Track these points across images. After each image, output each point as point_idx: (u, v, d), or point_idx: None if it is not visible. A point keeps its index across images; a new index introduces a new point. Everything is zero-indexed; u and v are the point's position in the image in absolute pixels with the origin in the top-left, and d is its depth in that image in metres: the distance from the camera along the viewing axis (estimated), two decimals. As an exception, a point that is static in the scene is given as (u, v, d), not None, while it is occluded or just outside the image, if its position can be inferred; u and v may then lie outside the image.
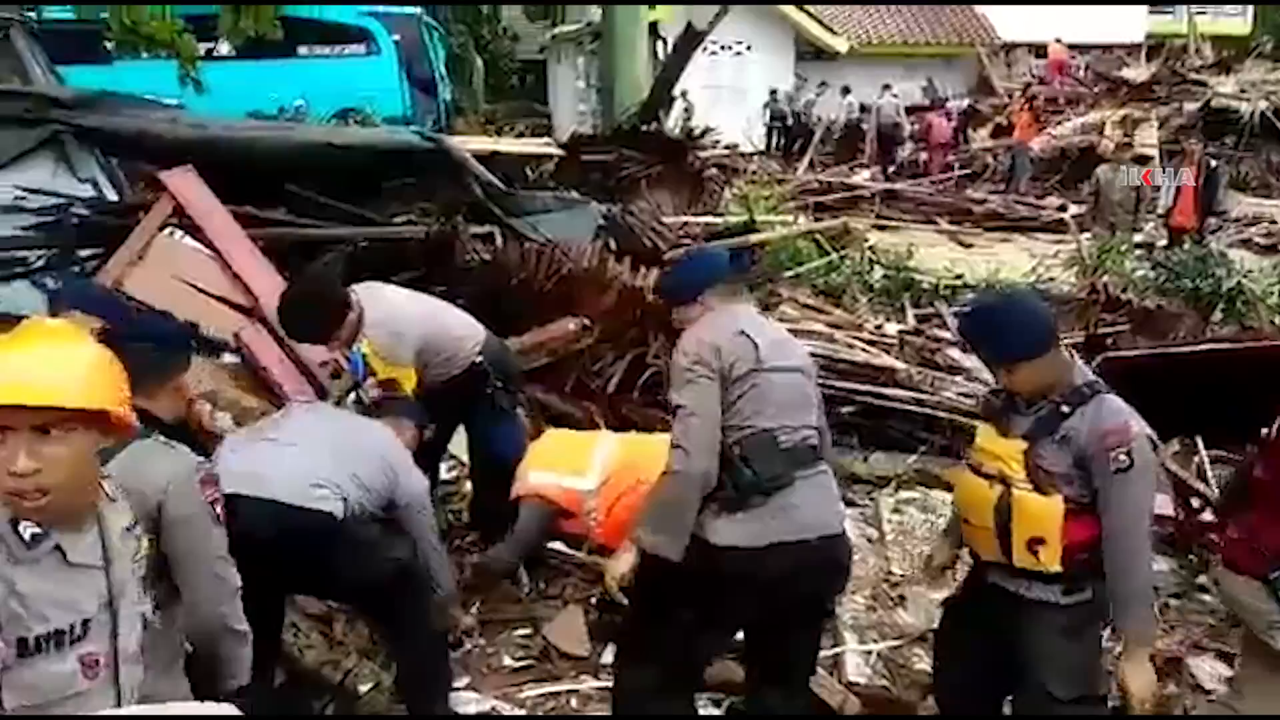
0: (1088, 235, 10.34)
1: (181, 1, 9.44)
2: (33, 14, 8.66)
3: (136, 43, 8.61)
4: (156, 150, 5.62)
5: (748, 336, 2.75)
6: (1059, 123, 17.32)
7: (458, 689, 3.59)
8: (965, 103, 19.64)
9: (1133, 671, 2.59)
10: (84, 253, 5.15)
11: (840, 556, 2.87)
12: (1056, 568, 2.60)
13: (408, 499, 3.32)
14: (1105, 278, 7.99)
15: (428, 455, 4.45)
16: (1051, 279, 8.97)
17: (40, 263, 5.04)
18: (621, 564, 2.77)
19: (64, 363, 1.59)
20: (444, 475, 5.01)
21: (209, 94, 10.03)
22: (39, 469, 1.55)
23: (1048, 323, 2.71)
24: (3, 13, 6.85)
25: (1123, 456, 2.52)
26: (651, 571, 2.73)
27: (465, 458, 4.76)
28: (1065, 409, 2.60)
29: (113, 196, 5.40)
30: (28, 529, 1.59)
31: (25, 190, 5.13)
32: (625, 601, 2.86)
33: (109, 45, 10.47)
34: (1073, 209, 12.94)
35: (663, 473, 2.70)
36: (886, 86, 18.30)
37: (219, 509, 2.35)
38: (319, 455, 3.13)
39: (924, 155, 17.68)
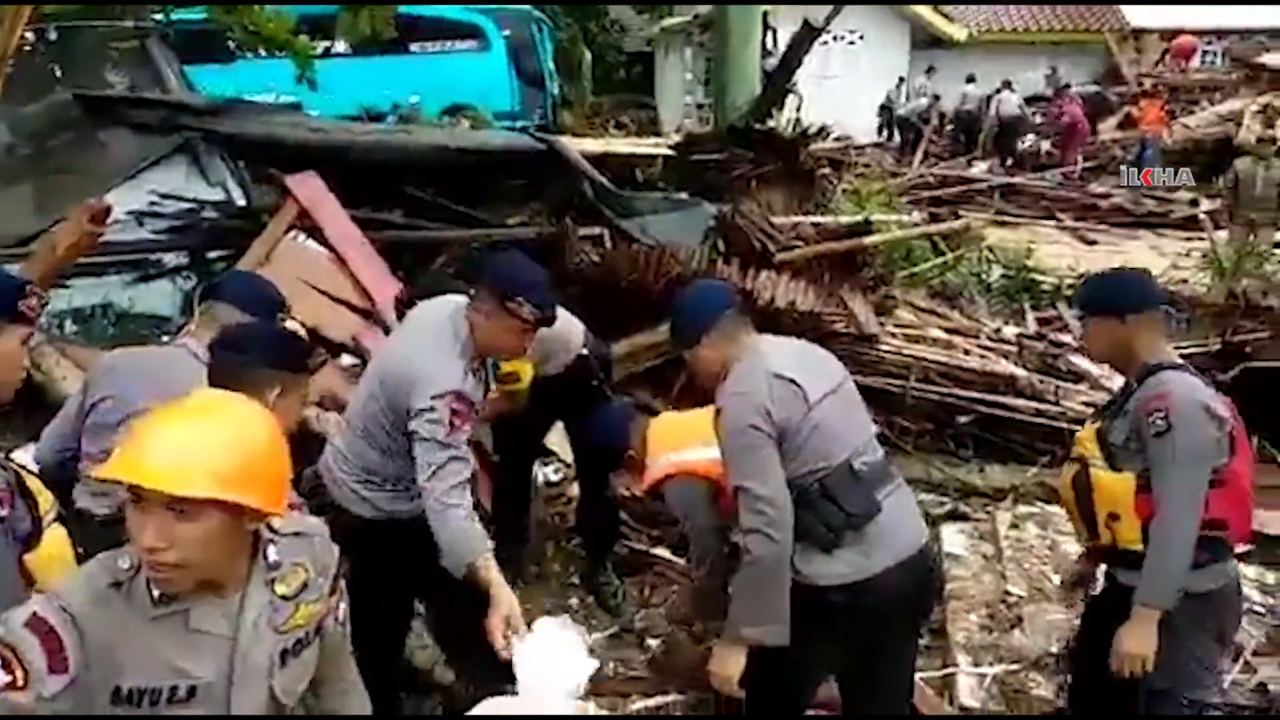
0: (1223, 234, 9.80)
1: (304, 2, 9.79)
2: (159, 16, 9.09)
3: (256, 43, 8.98)
4: (281, 154, 5.81)
5: (784, 379, 2.61)
6: (1191, 112, 16.46)
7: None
8: (1091, 89, 18.82)
9: (1129, 632, 2.60)
10: (213, 254, 5.39)
11: (932, 566, 2.84)
12: (1137, 544, 2.62)
13: (395, 390, 2.83)
14: (1244, 281, 7.54)
15: (524, 450, 4.48)
16: (1184, 280, 8.54)
17: (173, 265, 5.29)
18: (731, 665, 2.65)
19: (205, 447, 1.55)
20: (551, 477, 5.07)
21: (326, 90, 10.35)
22: (166, 547, 1.53)
23: (1134, 290, 2.76)
24: (143, 24, 7.20)
25: (1159, 420, 2.53)
26: None
27: (569, 459, 4.78)
28: (1134, 384, 2.67)
29: (240, 200, 5.61)
30: (157, 589, 1.59)
31: (160, 195, 5.38)
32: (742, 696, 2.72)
33: (231, 45, 10.88)
34: (1205, 204, 12.29)
35: (746, 561, 2.58)
36: (1006, 84, 17.46)
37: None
38: (354, 431, 2.97)
39: (1045, 145, 17.01)
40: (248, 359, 2.30)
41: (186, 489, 1.51)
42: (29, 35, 6.81)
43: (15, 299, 1.97)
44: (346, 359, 4.71)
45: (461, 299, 3.00)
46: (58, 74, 6.75)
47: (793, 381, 2.62)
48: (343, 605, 1.89)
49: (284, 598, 1.73)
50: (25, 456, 4.08)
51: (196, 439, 1.56)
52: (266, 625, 1.70)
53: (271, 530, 1.72)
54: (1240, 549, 2.86)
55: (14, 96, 5.82)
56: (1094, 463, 2.71)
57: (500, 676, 2.96)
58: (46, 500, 2.00)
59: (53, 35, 7.06)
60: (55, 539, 1.98)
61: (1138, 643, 2.59)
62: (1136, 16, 22.16)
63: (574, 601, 4.27)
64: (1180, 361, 2.69)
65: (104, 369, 2.94)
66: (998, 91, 17.41)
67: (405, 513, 2.93)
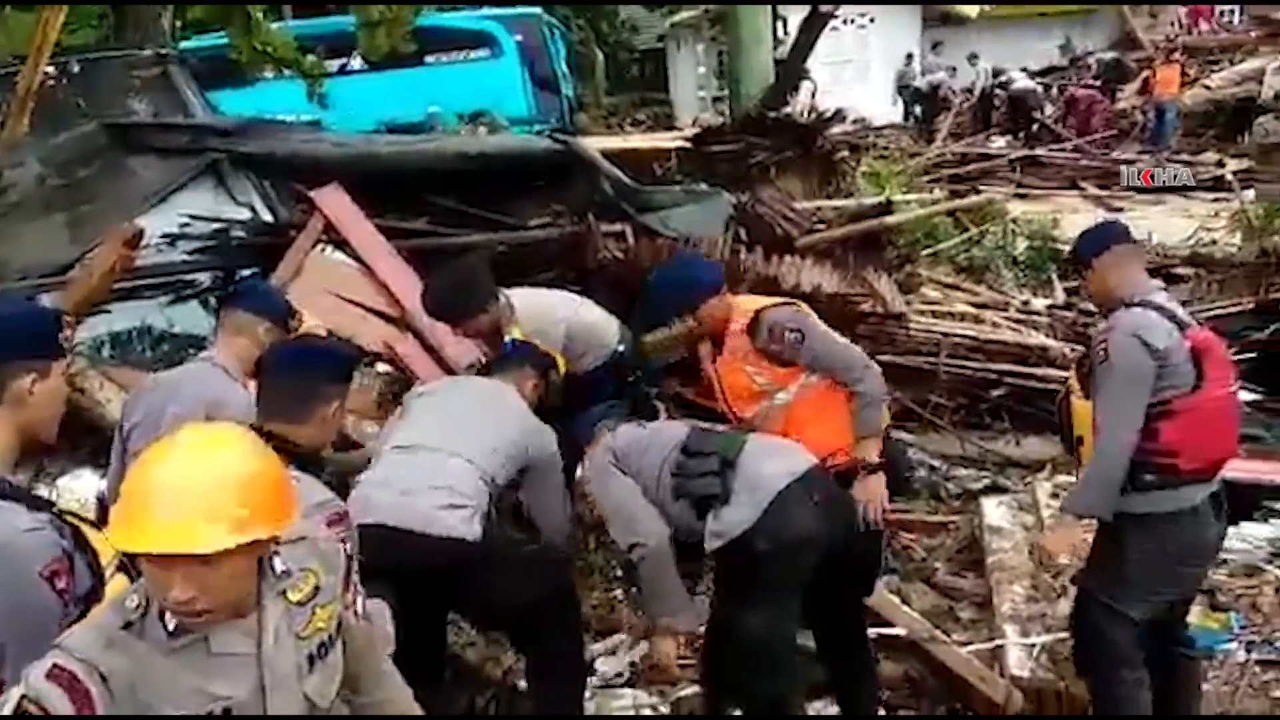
0: (1251, 193, 9.66)
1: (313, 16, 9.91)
2: (173, 44, 9.19)
3: (264, 62, 9.10)
4: (304, 169, 5.89)
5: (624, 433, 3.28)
6: (1211, 73, 16.23)
7: (614, 685, 3.67)
8: (1109, 56, 18.58)
9: (1055, 530, 3.08)
10: (244, 272, 5.48)
11: (832, 485, 3.06)
12: None
13: (536, 454, 3.26)
14: (1275, 239, 7.44)
15: (568, 452, 4.54)
16: (1214, 242, 8.43)
17: (206, 284, 5.38)
18: (666, 647, 3.23)
19: (213, 494, 1.51)
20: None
21: (343, 107, 10.42)
22: (198, 595, 1.52)
23: (1090, 237, 3.04)
24: (163, 51, 7.28)
25: (1101, 351, 2.79)
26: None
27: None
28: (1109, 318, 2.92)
29: (268, 217, 5.70)
30: (172, 621, 1.57)
31: (190, 217, 5.47)
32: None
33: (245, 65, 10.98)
34: (1232, 164, 12.12)
35: (635, 566, 3.10)
36: (1024, 70, 17.28)
37: (348, 547, 2.22)
38: (448, 455, 3.03)
39: (1056, 113, 16.81)
40: (315, 378, 2.31)
41: (211, 544, 1.48)
42: (50, 70, 6.93)
43: (57, 335, 1.90)
44: (381, 366, 4.78)
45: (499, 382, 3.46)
46: (82, 105, 6.83)
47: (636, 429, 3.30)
48: (359, 599, 1.89)
49: (299, 604, 1.72)
50: (74, 483, 4.21)
51: (202, 487, 1.52)
52: (288, 634, 1.69)
53: (275, 541, 1.69)
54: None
55: (42, 129, 5.96)
56: (1074, 390, 2.99)
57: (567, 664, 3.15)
58: (107, 551, 1.89)
59: (75, 67, 7.15)
60: (118, 591, 1.85)
61: (1052, 540, 3.12)
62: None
63: (618, 594, 4.30)
64: (1147, 299, 2.86)
65: (132, 397, 3.02)
66: (996, 76, 17.19)
67: (474, 535, 2.94)
